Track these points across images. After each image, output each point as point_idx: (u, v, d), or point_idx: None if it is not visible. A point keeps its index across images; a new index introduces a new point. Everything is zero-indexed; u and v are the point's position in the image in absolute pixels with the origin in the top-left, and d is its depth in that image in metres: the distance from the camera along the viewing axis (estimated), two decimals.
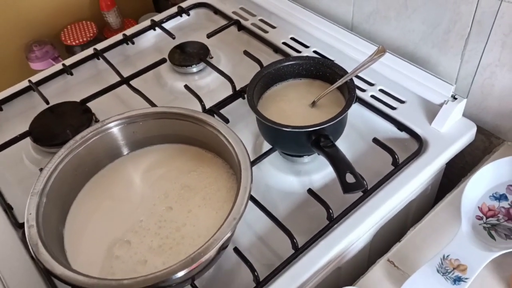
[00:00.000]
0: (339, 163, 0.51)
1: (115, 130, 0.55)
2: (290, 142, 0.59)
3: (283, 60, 0.64)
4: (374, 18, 0.74)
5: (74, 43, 1.06)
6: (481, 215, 0.59)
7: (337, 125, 0.57)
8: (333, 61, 0.64)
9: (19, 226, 0.59)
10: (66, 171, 0.51)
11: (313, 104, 0.62)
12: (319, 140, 0.55)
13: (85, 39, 1.06)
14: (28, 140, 0.70)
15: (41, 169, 0.52)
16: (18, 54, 1.05)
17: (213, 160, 0.55)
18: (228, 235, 0.44)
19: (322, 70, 0.63)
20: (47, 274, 0.53)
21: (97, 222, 0.51)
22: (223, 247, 0.47)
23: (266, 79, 0.63)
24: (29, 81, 0.78)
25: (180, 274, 0.41)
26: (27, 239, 0.44)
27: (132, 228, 0.50)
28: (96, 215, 0.52)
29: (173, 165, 0.55)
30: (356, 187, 0.49)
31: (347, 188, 0.49)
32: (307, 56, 0.66)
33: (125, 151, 0.57)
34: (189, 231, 0.49)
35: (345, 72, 0.60)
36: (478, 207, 0.60)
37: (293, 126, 0.55)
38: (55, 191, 0.50)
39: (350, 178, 0.51)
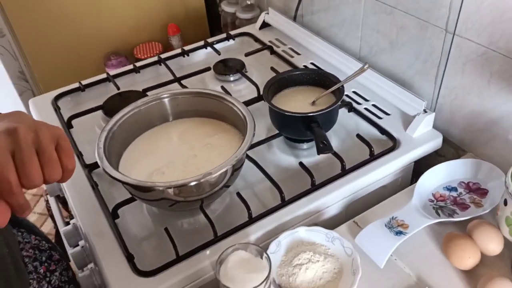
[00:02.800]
0: (318, 135, 0.70)
1: (165, 101, 0.77)
2: (292, 126, 0.79)
3: (293, 70, 0.85)
4: (375, 50, 0.95)
5: (143, 57, 1.32)
6: (433, 199, 0.75)
7: (327, 115, 0.76)
8: (331, 73, 0.84)
9: (86, 166, 0.82)
10: (128, 122, 0.74)
11: (313, 103, 0.82)
12: (312, 125, 0.75)
13: (152, 55, 1.33)
14: (100, 112, 0.94)
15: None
16: (99, 60, 1.32)
17: (230, 129, 0.76)
18: (226, 167, 0.63)
19: (322, 79, 0.83)
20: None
21: (144, 158, 0.72)
22: (228, 175, 0.67)
23: (280, 82, 0.84)
24: (107, 73, 1.03)
25: (193, 183, 0.61)
26: (96, 155, 0.66)
27: (166, 165, 0.71)
28: (144, 154, 0.73)
29: (200, 130, 0.76)
30: (326, 149, 0.68)
31: (319, 150, 0.68)
32: (311, 68, 0.87)
33: (170, 118, 0.79)
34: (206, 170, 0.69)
35: (339, 81, 0.80)
36: (432, 193, 0.75)
37: (294, 112, 0.75)
38: (118, 133, 0.72)
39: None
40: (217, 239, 0.68)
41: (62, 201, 1.02)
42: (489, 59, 0.71)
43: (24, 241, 0.68)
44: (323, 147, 0.68)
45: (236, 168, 0.69)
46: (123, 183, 0.62)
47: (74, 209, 0.76)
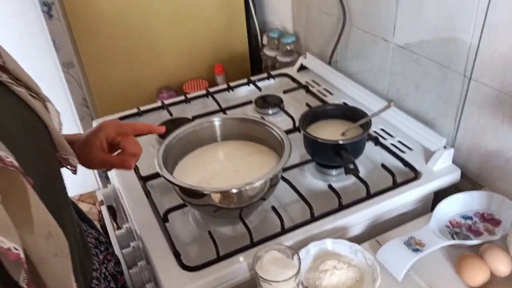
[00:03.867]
0: (347, 159, 0.80)
1: (216, 124, 0.89)
2: (323, 152, 0.89)
3: (326, 104, 0.96)
4: (401, 92, 1.05)
5: (190, 92, 1.47)
6: (449, 225, 0.82)
7: (355, 144, 0.87)
8: (359, 108, 0.95)
9: (141, 178, 0.94)
10: (183, 139, 0.86)
11: (343, 134, 0.92)
12: (341, 151, 0.85)
13: (198, 91, 1.47)
14: (154, 134, 1.07)
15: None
16: (153, 93, 1.48)
17: (268, 151, 0.87)
18: (263, 180, 0.74)
19: (352, 113, 0.94)
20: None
21: (194, 170, 0.83)
22: (266, 187, 0.77)
23: (314, 115, 0.96)
24: (162, 102, 1.18)
25: (235, 190, 0.72)
26: (156, 163, 0.78)
27: (212, 177, 0.82)
28: (194, 167, 0.84)
29: (243, 151, 0.88)
30: (354, 171, 0.77)
31: (347, 171, 0.77)
32: (342, 104, 0.98)
33: (218, 139, 0.90)
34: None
35: (367, 115, 0.91)
36: (449, 220, 0.83)
37: (326, 139, 0.86)
38: (175, 147, 0.84)
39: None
40: (252, 244, 0.77)
41: (112, 212, 1.14)
42: (501, 101, 0.81)
43: (87, 231, 0.79)
44: (351, 169, 0.78)
45: (273, 184, 0.80)
46: (178, 186, 0.74)
47: (130, 214, 0.87)
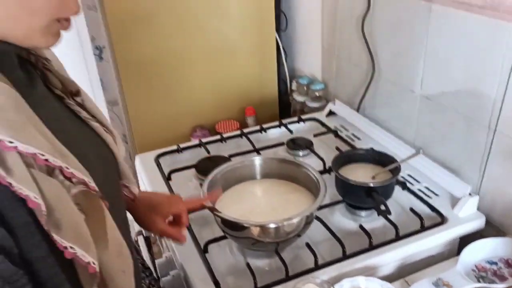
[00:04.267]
0: (378, 200, 0.86)
1: (256, 163, 0.96)
2: (355, 194, 0.94)
3: (358, 149, 1.03)
4: (428, 141, 1.11)
5: (222, 132, 1.55)
6: (475, 269, 0.86)
7: (385, 187, 0.92)
8: (389, 154, 1.01)
9: None
10: (225, 175, 0.93)
11: (373, 178, 0.98)
12: (372, 193, 0.91)
13: (230, 131, 1.56)
14: (193, 170, 1.14)
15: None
16: (187, 131, 1.57)
17: (304, 191, 0.93)
18: (300, 217, 0.79)
19: (382, 158, 1.00)
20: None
21: (234, 205, 0.89)
22: (302, 224, 0.82)
23: (346, 158, 1.02)
24: (200, 140, 1.26)
25: (273, 225, 0.77)
26: (201, 195, 0.84)
27: (251, 212, 0.88)
28: (234, 201, 0.90)
29: (280, 189, 0.94)
30: (385, 212, 0.82)
31: (379, 212, 0.83)
32: (371, 148, 1.04)
33: (257, 177, 0.97)
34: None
35: (396, 161, 0.97)
36: (475, 265, 0.87)
37: (358, 182, 0.92)
38: (217, 182, 0.91)
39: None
40: (288, 278, 0.82)
41: (147, 243, 1.19)
42: None
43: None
44: (383, 210, 0.84)
45: (308, 222, 0.85)
46: (221, 218, 0.80)
47: (172, 244, 0.93)
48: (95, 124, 0.64)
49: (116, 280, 0.56)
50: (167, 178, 1.11)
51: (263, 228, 0.80)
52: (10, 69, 0.52)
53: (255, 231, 0.81)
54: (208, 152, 1.20)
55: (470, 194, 0.96)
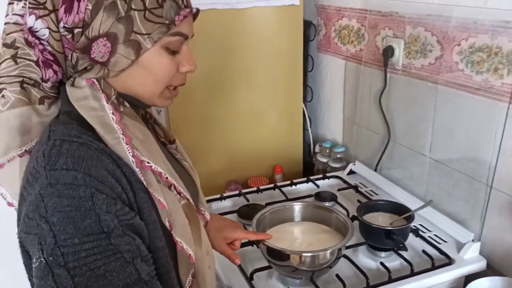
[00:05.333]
0: (397, 240, 1.04)
1: (294, 207, 1.17)
2: (377, 236, 1.13)
3: (377, 200, 1.23)
4: (436, 197, 1.31)
5: (253, 186, 1.76)
6: None
7: (402, 230, 1.11)
8: (405, 205, 1.20)
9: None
10: (269, 216, 1.13)
11: (391, 224, 1.17)
12: (391, 235, 1.10)
13: (261, 186, 1.76)
14: (235, 215, 1.34)
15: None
16: (222, 185, 1.78)
17: (334, 232, 1.12)
18: (333, 249, 0.98)
19: (398, 208, 1.20)
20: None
21: (276, 241, 1.08)
22: (334, 257, 1.01)
23: (367, 207, 1.22)
24: (240, 191, 1.47)
25: (309, 254, 0.96)
26: (250, 229, 1.04)
27: (290, 246, 1.07)
28: (276, 239, 1.09)
29: (315, 229, 1.13)
30: (403, 248, 1.01)
31: (399, 248, 1.02)
32: (389, 200, 1.24)
33: (295, 219, 1.17)
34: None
35: (410, 210, 1.17)
36: None
37: (379, 225, 1.11)
38: (263, 221, 1.10)
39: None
40: None
41: None
42: None
43: None
44: (401, 246, 1.02)
45: (338, 256, 1.04)
46: (268, 248, 0.99)
47: (222, 272, 1.11)
48: (186, 164, 0.87)
49: (204, 274, 0.76)
50: None
51: (302, 257, 0.99)
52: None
53: (295, 259, 0.99)
54: (247, 200, 1.41)
55: (473, 240, 1.15)
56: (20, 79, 0.68)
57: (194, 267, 0.74)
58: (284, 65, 1.75)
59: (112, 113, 0.66)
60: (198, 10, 0.74)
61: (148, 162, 0.67)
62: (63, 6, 0.62)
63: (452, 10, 1.18)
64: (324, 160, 1.79)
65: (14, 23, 0.68)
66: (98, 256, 0.56)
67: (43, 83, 0.69)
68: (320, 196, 1.44)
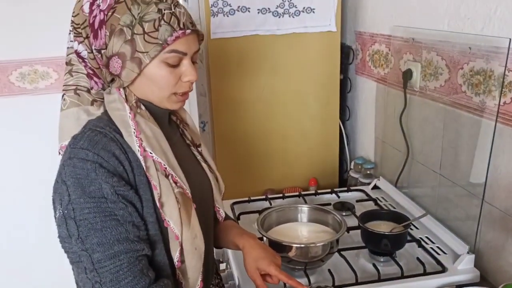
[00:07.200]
0: (392, 244, 1.15)
1: (299, 209, 1.32)
2: (375, 241, 1.24)
3: (380, 209, 1.33)
4: (440, 211, 1.38)
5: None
6: None
7: (398, 237, 1.21)
8: (405, 214, 1.29)
9: None
10: (275, 214, 1.29)
11: (391, 231, 1.27)
12: (387, 242, 1.20)
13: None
14: (257, 215, 1.51)
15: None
16: (261, 192, 1.96)
17: (330, 231, 1.25)
18: (323, 243, 1.12)
19: (399, 217, 1.29)
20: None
21: (281, 237, 1.24)
22: (326, 251, 1.14)
23: (370, 215, 1.33)
24: (266, 196, 1.64)
25: (302, 245, 1.10)
26: (255, 226, 1.21)
27: (293, 241, 1.21)
28: (281, 234, 1.25)
29: (316, 228, 1.27)
30: (391, 253, 1.12)
31: (387, 254, 1.12)
32: (391, 210, 1.34)
33: (299, 219, 1.32)
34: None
35: (408, 219, 1.26)
36: None
37: (376, 230, 1.22)
38: (268, 218, 1.27)
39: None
40: None
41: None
42: (506, 221, 1.11)
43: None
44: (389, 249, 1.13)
45: (331, 252, 1.17)
46: (270, 240, 1.15)
47: (233, 264, 1.29)
48: (204, 165, 1.06)
49: (190, 255, 0.92)
50: (237, 218, 1.49)
51: (295, 248, 1.14)
52: (162, 121, 0.96)
53: (290, 250, 1.14)
54: (271, 204, 1.57)
55: (468, 252, 1.21)
56: (74, 87, 0.93)
57: (182, 246, 0.90)
58: (321, 86, 1.91)
59: (129, 113, 0.88)
60: (197, 31, 0.92)
61: (150, 153, 0.88)
62: (92, 34, 0.86)
63: (457, 36, 1.27)
64: (356, 175, 1.90)
65: (70, 47, 0.94)
66: (97, 215, 0.78)
67: (91, 90, 0.94)
68: (338, 205, 1.56)
